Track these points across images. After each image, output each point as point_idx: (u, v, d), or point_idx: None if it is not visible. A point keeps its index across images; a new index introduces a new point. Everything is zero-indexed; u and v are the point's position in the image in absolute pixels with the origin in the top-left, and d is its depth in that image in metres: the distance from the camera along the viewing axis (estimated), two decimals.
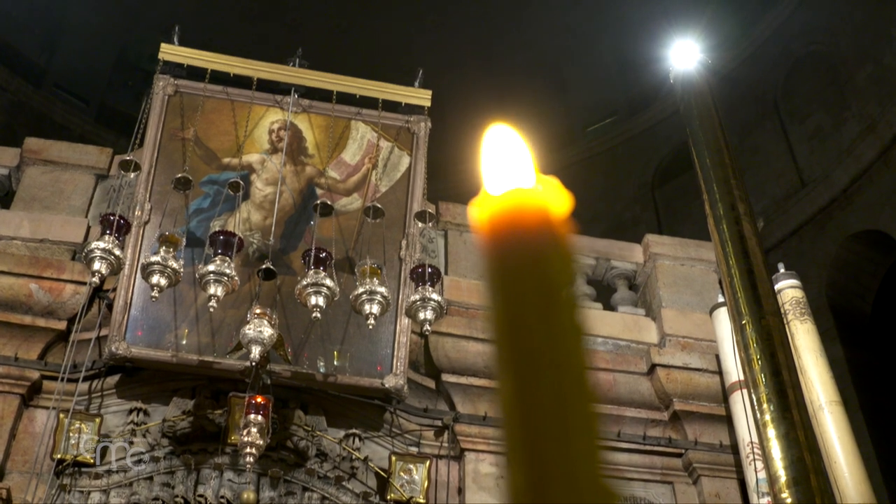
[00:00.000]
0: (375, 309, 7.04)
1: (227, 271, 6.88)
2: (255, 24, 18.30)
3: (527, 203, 0.85)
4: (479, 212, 0.86)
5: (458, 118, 17.82)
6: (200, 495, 7.34)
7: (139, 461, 7.47)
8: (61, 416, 7.44)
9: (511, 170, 0.87)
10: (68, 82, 17.89)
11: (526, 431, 0.77)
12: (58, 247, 8.38)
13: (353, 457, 7.79)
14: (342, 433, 7.92)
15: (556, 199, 0.86)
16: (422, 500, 7.73)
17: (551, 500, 0.74)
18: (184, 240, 7.43)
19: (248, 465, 6.96)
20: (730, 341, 7.78)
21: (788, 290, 8.30)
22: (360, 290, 7.08)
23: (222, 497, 7.32)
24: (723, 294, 8.17)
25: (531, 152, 0.88)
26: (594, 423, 0.78)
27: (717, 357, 8.64)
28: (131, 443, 7.54)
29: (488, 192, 0.86)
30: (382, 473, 7.79)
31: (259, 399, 7.04)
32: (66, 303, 7.91)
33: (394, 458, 7.86)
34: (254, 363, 7.01)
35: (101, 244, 6.88)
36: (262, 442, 6.89)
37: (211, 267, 6.88)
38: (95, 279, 6.98)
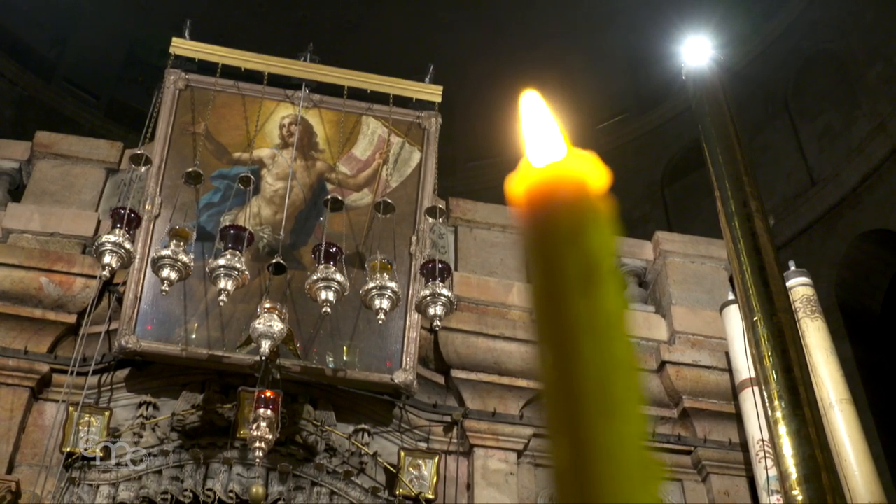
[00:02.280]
0: (385, 304, 7.03)
1: (238, 266, 6.87)
2: (266, 20, 18.31)
3: (565, 177, 0.84)
4: (517, 185, 0.86)
5: (468, 114, 17.83)
6: (209, 489, 7.34)
7: (148, 455, 7.48)
8: (71, 409, 7.44)
9: (547, 143, 0.87)
10: (78, 77, 17.89)
11: (568, 407, 0.77)
12: (68, 240, 8.39)
13: (362, 452, 7.79)
14: (351, 428, 7.92)
15: (594, 173, 0.86)
16: (431, 496, 7.73)
17: (595, 475, 0.74)
18: (194, 234, 7.42)
19: (258, 460, 6.95)
20: (740, 339, 7.77)
21: (799, 287, 8.28)
22: (371, 285, 7.07)
23: (231, 491, 7.33)
24: (733, 291, 8.17)
25: (562, 125, 0.88)
26: (637, 396, 0.78)
27: (727, 354, 8.63)
28: (140, 436, 7.55)
29: (527, 165, 0.85)
30: (391, 469, 7.79)
31: (268, 393, 7.04)
32: (77, 296, 7.92)
33: (403, 454, 7.85)
34: (263, 358, 7.01)
35: (112, 238, 6.88)
36: (271, 436, 6.89)
37: (221, 261, 6.87)
38: (106, 273, 6.98)
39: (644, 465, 0.75)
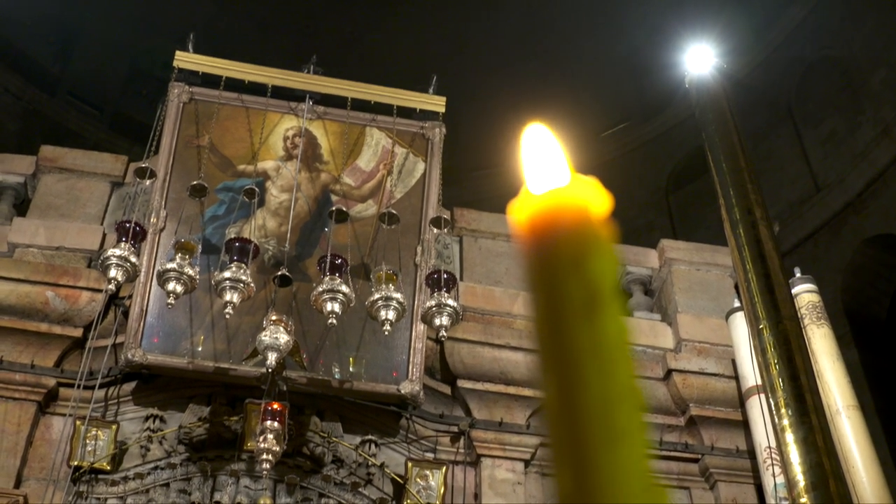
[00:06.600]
0: (391, 315, 7.03)
1: (243, 278, 6.88)
2: (269, 32, 18.34)
3: (567, 203, 0.85)
4: (519, 213, 0.86)
5: (472, 124, 17.83)
6: (217, 502, 7.34)
7: (155, 468, 7.49)
8: (78, 423, 7.44)
9: (549, 170, 0.87)
10: (82, 90, 17.94)
11: (572, 435, 0.77)
12: (74, 254, 8.40)
13: (370, 463, 7.78)
14: (358, 439, 7.91)
15: (596, 199, 0.86)
16: None
17: (599, 502, 0.74)
18: (199, 247, 7.43)
19: (265, 472, 6.95)
20: (746, 346, 7.77)
21: (805, 294, 8.27)
22: (376, 296, 7.07)
23: (238, 503, 7.32)
24: (738, 299, 8.16)
25: (566, 152, 0.88)
26: (641, 424, 0.78)
27: (734, 362, 8.61)
28: (148, 449, 7.55)
29: (528, 193, 0.86)
30: (399, 479, 7.78)
31: (275, 405, 7.03)
32: (83, 310, 7.92)
33: (410, 465, 7.84)
34: (270, 370, 7.00)
35: (117, 251, 6.90)
36: (278, 448, 6.89)
37: (227, 274, 6.88)
38: (111, 286, 7.00)
39: (647, 492, 0.76)
